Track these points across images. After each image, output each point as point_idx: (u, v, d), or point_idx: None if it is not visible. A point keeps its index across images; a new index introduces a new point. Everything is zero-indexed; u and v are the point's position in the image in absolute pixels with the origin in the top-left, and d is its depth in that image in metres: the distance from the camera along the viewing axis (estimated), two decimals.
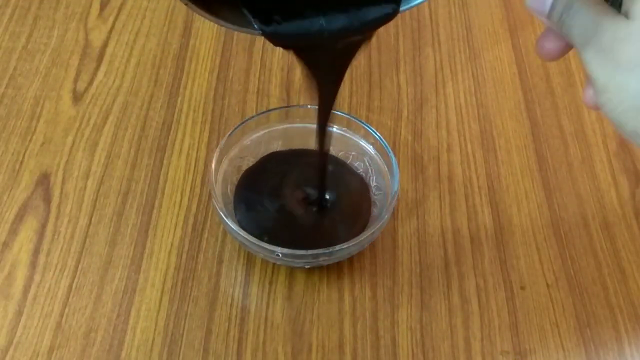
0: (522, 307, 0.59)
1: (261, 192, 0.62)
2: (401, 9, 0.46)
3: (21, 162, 0.65)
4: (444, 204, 0.65)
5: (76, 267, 0.59)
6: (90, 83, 0.72)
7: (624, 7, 0.34)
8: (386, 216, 0.57)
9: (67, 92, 0.71)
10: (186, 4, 0.42)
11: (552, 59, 0.41)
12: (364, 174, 0.64)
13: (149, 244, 0.60)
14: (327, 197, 0.62)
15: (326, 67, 0.50)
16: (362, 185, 0.63)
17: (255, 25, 0.44)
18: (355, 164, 0.65)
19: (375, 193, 0.63)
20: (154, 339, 0.55)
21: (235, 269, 0.60)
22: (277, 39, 0.46)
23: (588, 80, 0.36)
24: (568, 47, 0.39)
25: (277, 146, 0.65)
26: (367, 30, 0.48)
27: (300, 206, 0.62)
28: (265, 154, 0.65)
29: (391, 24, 0.49)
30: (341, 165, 0.65)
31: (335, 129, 0.65)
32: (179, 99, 0.71)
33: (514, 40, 0.79)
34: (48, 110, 0.69)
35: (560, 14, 0.37)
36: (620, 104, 0.34)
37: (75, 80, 0.72)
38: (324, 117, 0.56)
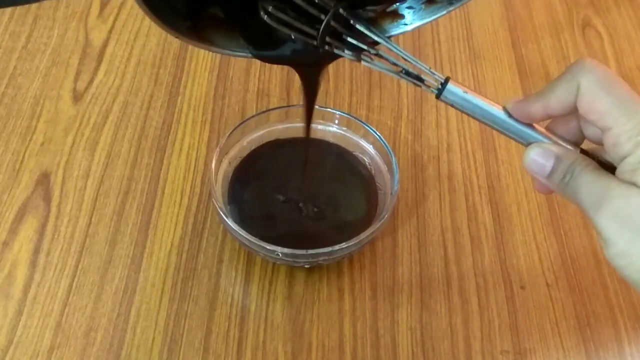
0: (522, 306, 0.59)
1: (256, 189, 0.62)
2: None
3: (21, 162, 0.65)
4: (444, 203, 0.65)
5: (76, 267, 0.59)
6: (91, 83, 0.72)
7: (627, 174, 0.37)
8: (386, 216, 0.57)
9: (67, 91, 0.71)
10: (177, 37, 0.47)
11: (548, 193, 0.44)
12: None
13: (149, 244, 0.60)
14: (319, 204, 0.62)
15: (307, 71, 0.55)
16: (369, 181, 0.63)
17: (249, 51, 0.49)
18: None
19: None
20: (154, 339, 0.55)
21: (235, 268, 0.60)
22: (269, 61, 0.53)
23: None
24: None
25: None
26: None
27: (294, 204, 0.62)
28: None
29: None
30: (348, 158, 0.65)
31: (335, 128, 0.65)
32: (179, 98, 0.71)
33: (514, 40, 0.79)
34: (48, 110, 0.69)
35: (562, 178, 0.39)
36: None
37: (75, 80, 0.72)
38: (309, 106, 0.57)
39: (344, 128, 0.65)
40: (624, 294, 0.60)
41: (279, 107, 0.65)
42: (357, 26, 0.45)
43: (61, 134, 0.67)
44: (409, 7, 0.49)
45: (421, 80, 0.44)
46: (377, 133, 0.62)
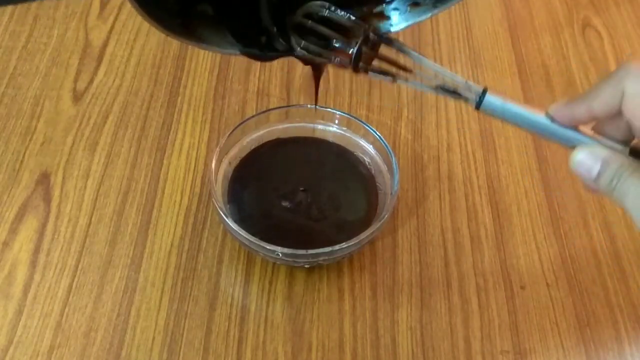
0: (522, 306, 0.59)
1: (256, 188, 0.62)
2: None
3: (21, 162, 0.65)
4: (443, 203, 0.65)
5: (76, 267, 0.59)
6: (91, 82, 0.72)
7: None
8: (386, 216, 0.57)
9: (67, 91, 0.71)
10: (167, 35, 0.47)
11: (596, 194, 0.42)
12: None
13: (149, 244, 0.60)
14: (319, 204, 0.62)
15: None
16: (369, 181, 0.63)
17: (238, 48, 0.50)
18: None
19: None
20: (154, 338, 0.55)
21: (235, 268, 0.60)
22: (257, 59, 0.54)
23: None
24: None
25: None
26: None
27: (295, 203, 0.62)
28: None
29: None
30: (348, 158, 0.64)
31: (335, 128, 0.65)
32: (179, 98, 0.71)
33: (514, 40, 0.79)
34: (48, 109, 0.69)
35: (610, 182, 0.39)
36: None
37: (75, 80, 0.72)
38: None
39: (344, 128, 0.65)
40: (624, 294, 0.60)
41: (279, 107, 0.65)
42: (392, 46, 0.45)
43: (61, 134, 0.67)
44: (395, 9, 0.50)
45: (458, 94, 0.43)
46: (377, 133, 0.62)
